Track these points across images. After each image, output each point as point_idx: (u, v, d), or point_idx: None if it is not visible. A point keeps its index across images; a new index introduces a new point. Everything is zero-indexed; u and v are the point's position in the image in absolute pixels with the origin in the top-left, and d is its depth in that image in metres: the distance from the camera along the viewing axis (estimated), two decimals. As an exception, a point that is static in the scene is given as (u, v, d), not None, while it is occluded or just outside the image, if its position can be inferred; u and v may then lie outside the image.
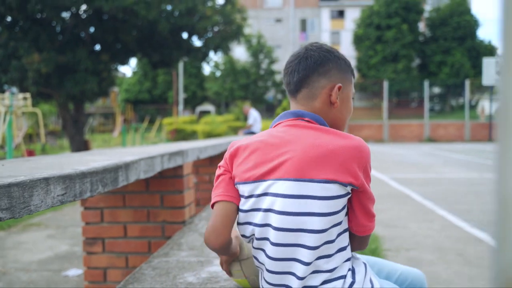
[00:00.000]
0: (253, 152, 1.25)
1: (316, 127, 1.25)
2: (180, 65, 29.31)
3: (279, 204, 1.19)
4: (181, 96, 31.78)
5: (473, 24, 41.03)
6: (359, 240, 1.31)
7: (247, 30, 45.88)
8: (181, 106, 33.64)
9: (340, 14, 48.77)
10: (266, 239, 1.23)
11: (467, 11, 41.58)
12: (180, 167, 2.85)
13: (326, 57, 1.30)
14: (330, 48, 1.34)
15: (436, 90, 44.77)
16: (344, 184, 1.17)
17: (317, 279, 1.20)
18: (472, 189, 8.11)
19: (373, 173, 10.77)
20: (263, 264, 1.26)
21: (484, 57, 26.61)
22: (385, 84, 26.55)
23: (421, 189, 8.17)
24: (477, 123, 25.79)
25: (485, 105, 27.37)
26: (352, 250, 1.30)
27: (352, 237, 1.29)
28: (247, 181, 1.24)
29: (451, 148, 19.17)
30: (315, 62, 1.29)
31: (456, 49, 39.73)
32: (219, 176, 1.32)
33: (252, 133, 12.53)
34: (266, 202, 1.21)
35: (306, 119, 1.27)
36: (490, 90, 25.85)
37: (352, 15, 46.78)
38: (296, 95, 1.32)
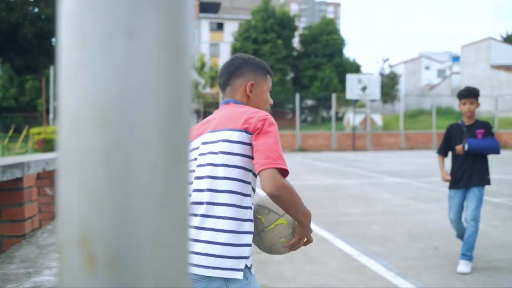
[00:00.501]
0: (196, 126, 1.83)
1: (235, 105, 1.81)
2: (52, 71, 27.59)
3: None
4: (52, 104, 29.87)
5: (340, 42, 44.56)
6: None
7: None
8: (51, 115, 31.61)
9: (220, 26, 49.77)
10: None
11: (335, 30, 45.03)
12: (20, 180, 2.81)
13: (242, 64, 1.86)
14: (248, 57, 1.91)
15: (310, 102, 47.69)
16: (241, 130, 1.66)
17: None
18: (328, 194, 8.87)
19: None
20: None
21: (348, 74, 29.00)
22: (260, 96, 27.62)
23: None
24: (343, 133, 27.99)
25: (350, 117, 29.76)
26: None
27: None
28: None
29: (319, 157, 20.58)
30: (235, 67, 1.85)
31: (325, 65, 42.77)
32: None
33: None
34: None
35: (232, 103, 1.82)
36: (353, 103, 28.22)
37: (231, 28, 48.03)
38: (224, 91, 1.89)
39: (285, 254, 1.80)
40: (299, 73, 44.08)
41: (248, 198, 1.67)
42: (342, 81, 40.88)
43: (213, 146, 1.68)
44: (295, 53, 44.72)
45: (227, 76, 1.86)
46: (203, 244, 1.58)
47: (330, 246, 5.02)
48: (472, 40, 40.54)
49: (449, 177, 4.28)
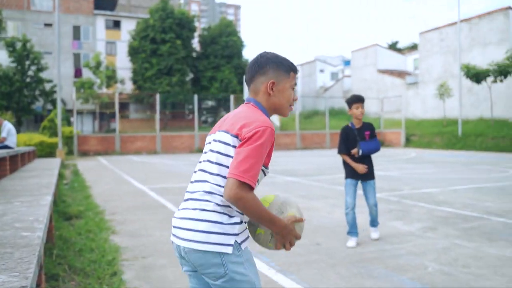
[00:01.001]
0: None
1: (250, 106, 1.93)
2: None
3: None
4: None
5: (239, 44, 45.15)
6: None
7: (11, 33, 41.41)
8: None
9: (116, 24, 47.97)
10: None
11: (234, 32, 45.53)
12: None
13: (265, 62, 1.94)
14: (272, 55, 1.97)
15: (210, 103, 47.72)
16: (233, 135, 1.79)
17: None
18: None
19: (136, 184, 10.90)
20: None
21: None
22: (158, 97, 27.10)
23: (175, 198, 8.61)
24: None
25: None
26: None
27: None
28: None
29: (217, 158, 20.64)
30: (258, 66, 1.94)
31: (225, 66, 43.08)
32: None
33: (7, 147, 11.34)
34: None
35: (252, 104, 1.93)
36: (252, 105, 28.68)
37: (128, 27, 46.55)
38: (249, 88, 1.98)
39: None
40: (198, 74, 43.94)
41: None
42: (241, 83, 41.54)
43: (216, 145, 1.85)
44: (194, 54, 44.50)
45: (251, 74, 1.97)
46: (195, 221, 1.76)
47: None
48: (361, 46, 43.21)
49: (365, 169, 5.06)
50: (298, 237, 1.87)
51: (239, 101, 33.76)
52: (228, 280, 1.74)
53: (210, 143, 1.91)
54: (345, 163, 5.20)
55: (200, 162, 1.92)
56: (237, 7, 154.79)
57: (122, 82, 41.52)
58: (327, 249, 4.88)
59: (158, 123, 26.55)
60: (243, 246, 1.78)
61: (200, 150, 25.74)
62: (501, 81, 25.35)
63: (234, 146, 1.78)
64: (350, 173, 5.13)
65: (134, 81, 42.35)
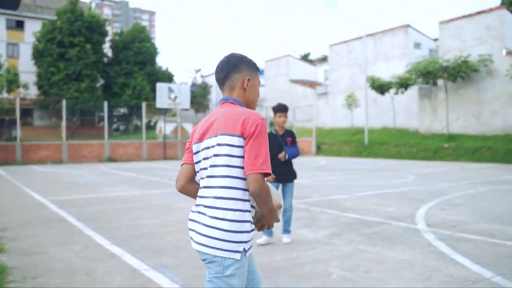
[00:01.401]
0: (198, 126, 2.11)
1: (231, 104, 2.09)
2: None
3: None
4: None
5: (153, 51, 44.22)
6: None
7: None
8: None
9: (19, 25, 44.92)
10: None
11: (147, 38, 44.52)
12: None
13: (239, 61, 2.15)
14: (241, 55, 2.19)
15: (122, 110, 46.12)
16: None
17: None
18: (127, 206, 8.53)
19: (35, 196, 10.13)
20: None
21: (158, 83, 28.86)
22: (64, 103, 25.68)
23: (79, 210, 8.09)
24: (154, 142, 27.68)
25: (162, 126, 29.55)
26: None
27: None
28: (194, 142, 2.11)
29: (127, 167, 19.92)
30: (232, 64, 2.13)
31: (137, 72, 41.92)
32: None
33: None
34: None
35: (230, 101, 2.10)
36: (164, 112, 28.17)
37: (33, 28, 43.78)
38: (223, 87, 2.15)
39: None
40: (109, 80, 42.34)
41: (247, 192, 1.99)
42: (154, 90, 40.61)
43: (217, 149, 1.97)
44: (105, 59, 42.84)
45: (226, 72, 2.13)
46: (208, 228, 1.94)
47: (118, 262, 4.73)
48: (275, 56, 44.19)
49: (273, 178, 5.40)
50: (277, 220, 2.10)
51: (151, 108, 32.99)
52: (221, 278, 1.93)
53: (208, 148, 2.02)
54: None
55: (202, 168, 2.06)
56: (151, 13, 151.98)
57: (26, 86, 38.86)
58: (234, 260, 4.78)
59: (64, 131, 25.11)
60: (247, 253, 1.99)
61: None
62: (402, 93, 27.09)
63: (239, 146, 1.95)
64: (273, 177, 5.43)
65: (39, 86, 39.83)
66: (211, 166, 1.99)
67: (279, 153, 5.47)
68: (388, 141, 26.71)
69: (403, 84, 26.36)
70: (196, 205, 2.05)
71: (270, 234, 5.54)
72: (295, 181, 10.41)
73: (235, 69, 2.12)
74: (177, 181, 2.15)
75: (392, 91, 27.73)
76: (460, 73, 23.82)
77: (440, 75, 24.55)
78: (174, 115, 43.05)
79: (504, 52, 23.83)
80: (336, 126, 35.02)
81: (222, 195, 1.94)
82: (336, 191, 10.67)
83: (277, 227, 5.95)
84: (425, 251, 5.02)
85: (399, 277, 4.10)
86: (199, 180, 2.09)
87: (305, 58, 64.77)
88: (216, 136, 1.99)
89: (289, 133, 5.66)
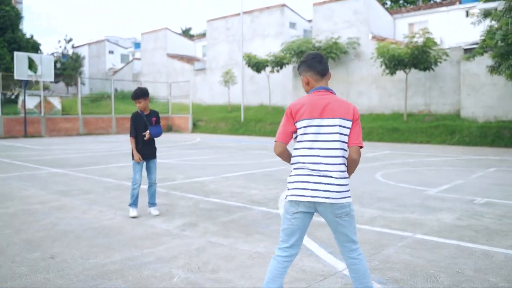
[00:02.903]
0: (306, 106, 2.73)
1: (333, 94, 2.80)
2: None
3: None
4: None
5: (14, 15, 39.60)
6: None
7: None
8: None
9: None
10: None
11: (7, 1, 39.72)
12: None
13: (325, 58, 2.90)
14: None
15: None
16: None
17: None
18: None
19: None
20: None
21: (16, 52, 25.81)
22: None
23: None
24: (13, 118, 24.85)
25: (24, 100, 26.53)
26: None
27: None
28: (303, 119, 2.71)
29: (-25, 146, 17.49)
30: (326, 60, 2.88)
31: (-5, 39, 37.30)
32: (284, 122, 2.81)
33: None
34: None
35: (330, 91, 2.79)
36: (24, 84, 25.37)
37: None
38: (322, 77, 2.81)
39: None
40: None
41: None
42: (13, 59, 36.50)
43: (337, 128, 2.66)
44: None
45: (327, 68, 2.83)
46: (338, 186, 2.63)
47: None
48: (152, 29, 42.24)
49: (140, 159, 5.79)
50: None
51: (8, 79, 29.56)
52: (351, 214, 2.71)
53: (328, 126, 2.66)
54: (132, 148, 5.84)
55: (316, 141, 2.67)
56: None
57: None
58: (61, 264, 3.99)
59: None
60: None
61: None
62: (278, 71, 27.44)
63: (349, 127, 2.68)
64: (139, 154, 5.81)
65: None
66: (330, 141, 2.65)
67: (144, 132, 5.78)
68: (264, 119, 26.99)
69: (279, 63, 26.67)
70: (315, 170, 2.65)
71: (156, 204, 6.03)
72: (159, 160, 9.73)
73: (327, 64, 2.85)
74: (278, 146, 2.79)
75: (268, 69, 27.96)
76: (331, 54, 24.68)
77: (313, 55, 25.17)
78: (47, 88, 39.32)
79: (369, 36, 25.16)
80: (214, 102, 34.63)
81: (339, 162, 2.65)
82: (203, 172, 10.19)
83: (143, 203, 5.29)
84: (282, 240, 4.70)
85: (248, 277, 3.68)
86: (302, 148, 2.71)
87: (186, 33, 63.14)
88: (335, 118, 2.66)
89: (154, 113, 5.93)
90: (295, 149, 2.77)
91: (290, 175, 2.75)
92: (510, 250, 4.36)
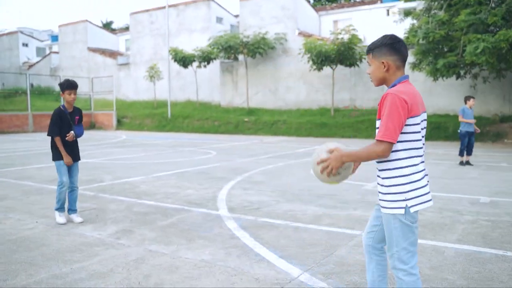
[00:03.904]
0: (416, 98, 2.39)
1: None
2: None
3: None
4: None
5: None
6: None
7: None
8: None
9: None
10: None
11: None
12: None
13: None
14: None
15: None
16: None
17: None
18: None
19: None
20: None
21: None
22: None
23: None
24: None
25: None
26: None
27: None
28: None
29: None
30: None
31: None
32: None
33: None
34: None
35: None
36: None
37: None
38: (403, 66, 2.46)
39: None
40: None
41: None
42: None
43: (425, 122, 2.45)
44: None
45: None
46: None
47: None
48: (71, 21, 39.96)
49: (71, 162, 5.32)
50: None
51: None
52: None
53: (425, 120, 2.45)
54: (55, 146, 5.29)
55: (421, 138, 2.39)
56: None
57: None
58: (-25, 286, 3.39)
59: None
60: None
61: None
62: (205, 66, 26.95)
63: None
64: (61, 156, 5.29)
65: None
66: (423, 136, 2.40)
67: (68, 133, 5.29)
68: (192, 115, 26.40)
69: (206, 58, 26.21)
70: (424, 170, 2.38)
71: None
72: (83, 160, 9.06)
73: None
74: (388, 149, 2.27)
75: (195, 64, 27.39)
76: (259, 49, 24.60)
77: (241, 50, 25.01)
78: None
79: (296, 32, 25.38)
80: (139, 98, 33.43)
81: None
82: (132, 171, 9.58)
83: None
84: (228, 245, 4.37)
85: (196, 290, 3.32)
86: (415, 149, 2.37)
87: (107, 26, 60.55)
88: (425, 112, 2.46)
89: (77, 111, 5.49)
90: (404, 150, 2.32)
91: (410, 181, 2.31)
92: (457, 244, 4.35)
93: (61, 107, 5.36)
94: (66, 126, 5.30)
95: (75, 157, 5.44)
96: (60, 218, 5.27)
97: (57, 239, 4.61)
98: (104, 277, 3.56)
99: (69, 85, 5.23)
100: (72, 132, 5.28)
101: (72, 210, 5.41)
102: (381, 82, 2.49)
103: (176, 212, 5.79)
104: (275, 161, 11.33)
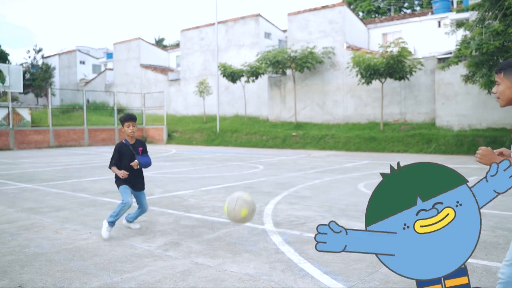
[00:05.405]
0: None
1: None
2: None
3: None
4: None
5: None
6: None
7: None
8: None
9: None
10: None
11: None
12: None
13: None
14: None
15: None
16: None
17: None
18: None
19: None
20: None
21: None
22: None
23: None
24: (-21, 130, 23.89)
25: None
26: None
27: None
28: None
29: None
30: None
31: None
32: None
33: None
34: None
35: None
36: (-9, 96, 24.49)
37: None
38: None
39: None
40: None
41: None
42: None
43: None
44: None
45: None
46: None
47: None
48: (124, 39, 41.58)
49: (126, 174, 5.36)
50: None
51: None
52: None
53: None
54: (116, 176, 5.48)
55: None
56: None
57: None
58: (33, 292, 3.60)
59: None
60: None
61: None
62: (253, 81, 27.26)
63: None
64: (125, 182, 5.46)
65: None
66: None
67: (131, 162, 5.43)
68: (240, 129, 26.70)
69: (254, 73, 26.50)
70: None
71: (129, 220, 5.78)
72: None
73: None
74: None
75: (243, 79, 27.75)
76: (307, 63, 24.64)
77: (289, 65, 25.15)
78: (16, 99, 38.08)
79: (344, 45, 25.26)
80: (188, 113, 34.19)
81: None
82: (181, 185, 9.81)
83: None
84: (272, 260, 4.40)
85: (240, 303, 3.37)
86: None
87: (159, 43, 62.58)
88: None
89: (140, 143, 5.67)
90: None
91: None
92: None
93: (123, 141, 5.55)
94: (127, 157, 5.43)
95: (139, 186, 5.56)
96: (107, 232, 5.21)
97: (109, 250, 4.81)
98: (152, 287, 3.68)
99: (128, 118, 5.43)
100: (136, 161, 5.40)
101: (129, 220, 5.71)
102: (511, 102, 2.50)
103: (222, 226, 5.88)
104: (322, 176, 11.27)
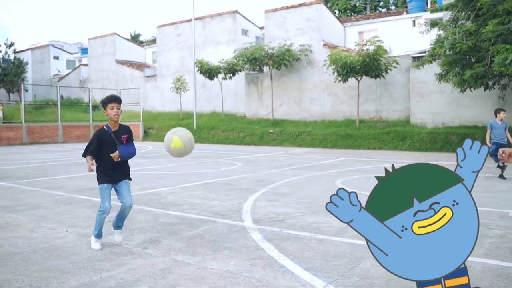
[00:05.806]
0: None
1: None
2: None
3: None
4: None
5: None
6: None
7: None
8: None
9: None
10: None
11: None
12: None
13: None
14: None
15: None
16: None
17: None
18: None
19: None
20: None
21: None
22: None
23: None
24: None
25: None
26: None
27: None
28: None
29: None
30: None
31: None
32: None
33: None
34: None
35: None
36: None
37: None
38: None
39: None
40: None
41: None
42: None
43: None
44: None
45: None
46: None
47: None
48: (100, 34, 40.98)
49: (92, 169, 4.64)
50: None
51: None
52: None
53: None
54: (98, 169, 4.81)
55: None
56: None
57: None
58: (9, 292, 3.53)
59: None
60: None
61: None
62: (230, 78, 27.19)
63: None
64: (105, 178, 4.79)
65: None
66: None
67: (112, 153, 4.71)
68: (217, 126, 26.63)
69: (231, 70, 26.44)
70: None
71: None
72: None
73: None
74: None
75: (221, 76, 27.68)
76: (284, 61, 24.71)
77: (266, 62, 25.18)
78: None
79: (321, 43, 25.42)
80: (165, 110, 33.91)
81: None
82: (159, 182, 9.75)
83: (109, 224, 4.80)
84: (252, 256, 4.42)
85: (222, 300, 3.38)
86: None
87: (135, 39, 61.81)
88: None
89: (125, 130, 4.93)
90: None
91: None
92: (485, 259, 4.30)
93: (104, 127, 4.83)
94: (108, 146, 4.71)
95: (120, 176, 4.84)
96: (96, 244, 4.75)
97: (87, 248, 4.75)
98: (132, 286, 3.66)
99: (111, 98, 4.73)
100: (116, 152, 4.70)
101: (117, 226, 4.99)
102: None
103: (202, 223, 5.87)
104: (300, 173, 11.34)
